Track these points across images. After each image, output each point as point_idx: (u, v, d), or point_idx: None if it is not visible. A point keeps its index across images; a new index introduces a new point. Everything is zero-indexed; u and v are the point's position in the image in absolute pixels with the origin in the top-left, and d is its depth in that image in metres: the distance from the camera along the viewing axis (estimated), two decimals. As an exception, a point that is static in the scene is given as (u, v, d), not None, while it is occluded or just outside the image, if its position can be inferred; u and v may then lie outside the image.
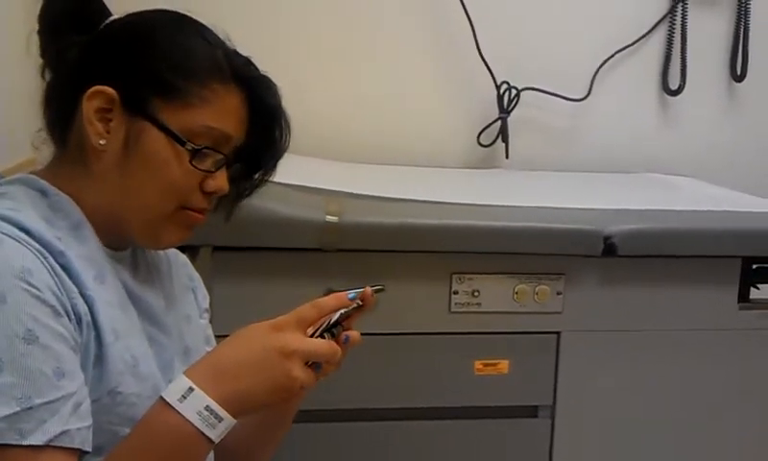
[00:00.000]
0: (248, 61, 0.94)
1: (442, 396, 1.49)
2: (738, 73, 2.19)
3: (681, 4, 2.12)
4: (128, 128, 0.87)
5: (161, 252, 1.04)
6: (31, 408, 0.73)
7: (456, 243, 1.43)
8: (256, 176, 1.00)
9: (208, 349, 1.12)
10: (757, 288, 1.59)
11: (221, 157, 0.91)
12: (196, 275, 1.13)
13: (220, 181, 0.91)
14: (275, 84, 0.97)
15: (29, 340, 0.75)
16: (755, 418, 1.61)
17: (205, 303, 1.14)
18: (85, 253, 0.85)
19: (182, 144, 0.87)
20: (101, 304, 0.84)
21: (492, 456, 1.52)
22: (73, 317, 0.81)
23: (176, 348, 0.98)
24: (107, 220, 0.89)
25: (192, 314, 1.07)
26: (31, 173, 0.90)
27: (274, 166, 1.00)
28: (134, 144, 0.87)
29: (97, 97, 0.86)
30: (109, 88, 0.86)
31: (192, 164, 0.88)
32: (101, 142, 0.87)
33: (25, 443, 0.73)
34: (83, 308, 0.82)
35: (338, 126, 2.02)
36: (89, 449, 0.79)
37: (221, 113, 0.89)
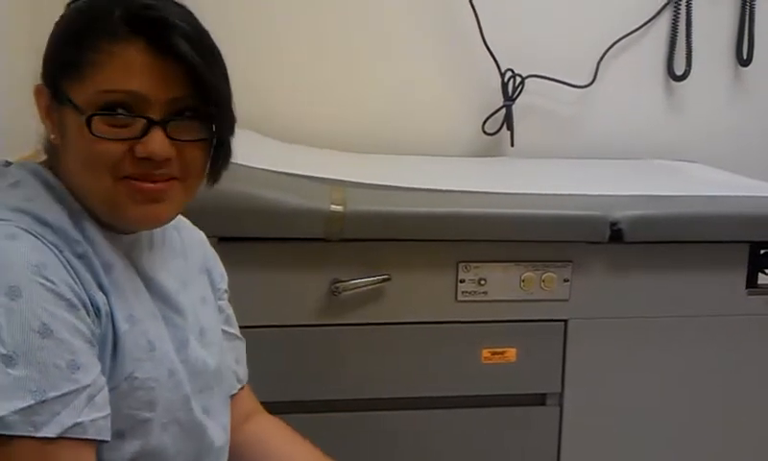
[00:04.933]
0: (146, 6, 0.84)
1: (449, 385, 1.48)
2: (744, 57, 2.18)
3: (686, -12, 2.11)
4: (60, 117, 0.86)
5: (175, 232, 1.04)
6: (45, 401, 0.74)
7: (462, 231, 1.43)
8: (214, 128, 0.90)
9: (229, 329, 1.13)
10: (765, 273, 1.58)
11: (142, 119, 0.84)
12: (212, 254, 1.12)
13: (149, 146, 0.83)
14: (177, 15, 0.86)
15: (44, 334, 0.75)
16: (762, 401, 1.60)
17: (224, 284, 1.13)
18: (92, 241, 0.86)
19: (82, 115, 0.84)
20: (115, 292, 0.85)
21: (500, 445, 1.52)
22: (91, 309, 0.81)
23: (191, 328, 0.97)
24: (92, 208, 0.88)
25: (207, 295, 1.06)
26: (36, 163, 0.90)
27: (220, 113, 0.88)
28: (65, 131, 0.86)
29: (39, 96, 0.88)
30: (43, 85, 0.87)
31: (93, 134, 0.83)
32: (52, 137, 0.87)
33: (38, 435, 0.73)
34: (101, 299, 0.83)
35: (341, 116, 2.02)
36: (107, 438, 0.80)
37: (117, 73, 0.83)
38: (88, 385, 0.78)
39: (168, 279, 0.96)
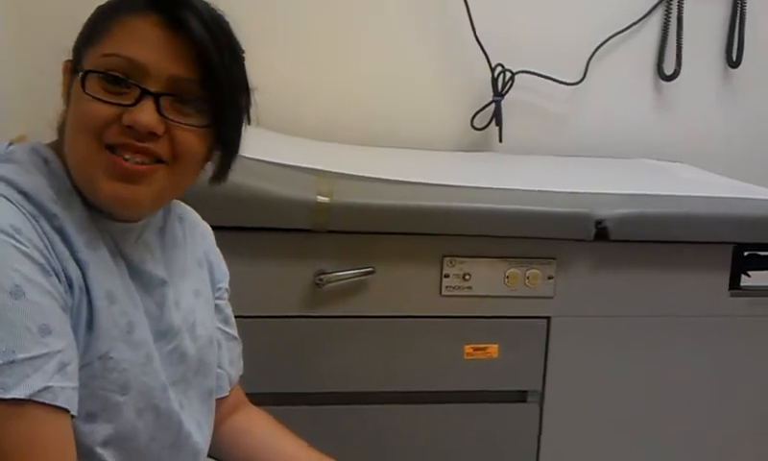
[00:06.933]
0: None
1: (431, 380, 1.48)
2: (734, 59, 2.18)
3: (678, -12, 2.12)
4: (72, 87, 0.87)
5: (177, 223, 1.03)
6: (13, 362, 0.74)
7: (448, 225, 1.43)
8: (215, 117, 0.89)
9: (227, 329, 1.13)
10: (748, 275, 1.59)
11: (137, 88, 0.84)
12: (215, 252, 1.12)
13: (135, 114, 0.83)
14: (198, 1, 0.87)
15: (16, 295, 0.75)
16: (744, 403, 1.61)
17: (225, 283, 1.13)
18: (78, 219, 0.86)
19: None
20: (94, 269, 0.85)
21: (480, 441, 1.52)
22: (64, 279, 0.81)
23: (175, 319, 0.97)
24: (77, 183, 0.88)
25: (202, 289, 1.05)
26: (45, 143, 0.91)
27: (222, 101, 0.88)
28: (71, 99, 0.87)
29: (64, 72, 0.90)
30: (68, 61, 0.89)
31: (85, 92, 0.83)
32: (64, 108, 0.88)
33: (7, 396, 0.73)
34: (75, 272, 0.83)
35: (331, 107, 2.01)
36: (75, 412, 0.80)
37: (123, 40, 0.84)
38: (60, 351, 0.78)
39: (154, 269, 0.96)
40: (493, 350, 1.48)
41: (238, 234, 1.35)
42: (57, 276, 0.80)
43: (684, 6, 2.12)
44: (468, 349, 1.47)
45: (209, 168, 0.95)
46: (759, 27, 2.18)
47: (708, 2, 2.16)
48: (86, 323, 0.84)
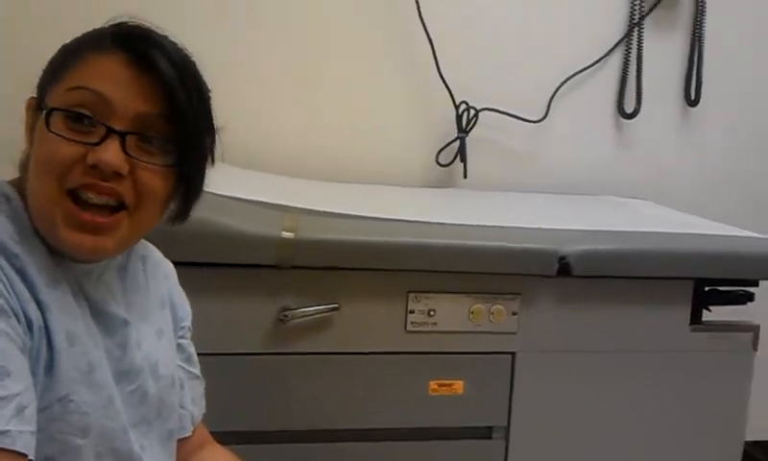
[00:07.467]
0: (135, 26, 0.87)
1: (396, 416, 1.48)
2: (692, 98, 2.23)
3: (637, 28, 2.16)
4: (36, 125, 0.86)
5: (139, 263, 1.02)
6: None
7: (412, 261, 1.43)
8: (181, 156, 0.89)
9: (190, 368, 1.11)
10: (709, 310, 1.60)
11: (102, 127, 0.83)
12: (178, 291, 1.11)
13: (100, 152, 0.82)
14: (165, 40, 0.87)
15: None
16: (706, 437, 1.62)
17: (187, 322, 1.12)
18: (39, 259, 0.84)
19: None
20: (54, 310, 0.83)
21: (446, 477, 1.51)
22: (23, 320, 0.80)
23: (136, 360, 0.95)
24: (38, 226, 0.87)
25: (165, 328, 1.04)
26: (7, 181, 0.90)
27: (188, 140, 0.88)
28: (35, 138, 0.86)
29: (27, 109, 0.89)
30: (32, 98, 0.88)
31: (49, 130, 0.82)
32: (26, 146, 0.88)
33: None
34: (34, 314, 0.81)
35: (296, 143, 2.01)
36: (32, 457, 0.78)
37: (90, 76, 0.84)
38: (18, 394, 0.76)
39: (116, 309, 0.95)
40: (459, 386, 1.48)
41: (202, 270, 1.34)
42: (16, 317, 0.79)
43: (644, 45, 2.16)
44: (433, 385, 1.47)
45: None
46: (717, 66, 2.23)
47: (667, 42, 2.21)
48: (46, 364, 0.82)
